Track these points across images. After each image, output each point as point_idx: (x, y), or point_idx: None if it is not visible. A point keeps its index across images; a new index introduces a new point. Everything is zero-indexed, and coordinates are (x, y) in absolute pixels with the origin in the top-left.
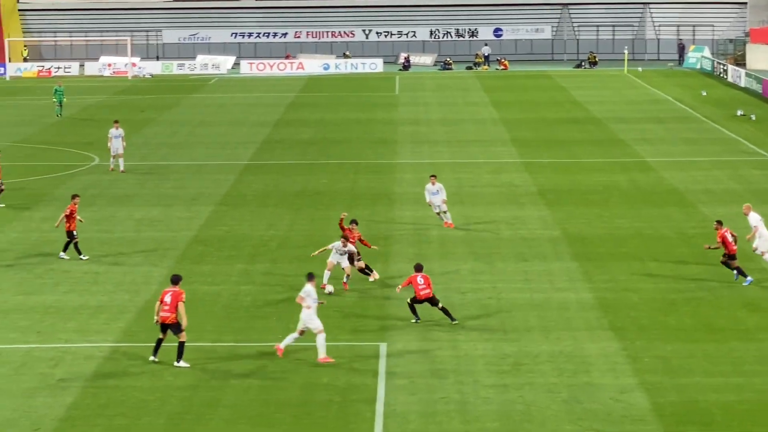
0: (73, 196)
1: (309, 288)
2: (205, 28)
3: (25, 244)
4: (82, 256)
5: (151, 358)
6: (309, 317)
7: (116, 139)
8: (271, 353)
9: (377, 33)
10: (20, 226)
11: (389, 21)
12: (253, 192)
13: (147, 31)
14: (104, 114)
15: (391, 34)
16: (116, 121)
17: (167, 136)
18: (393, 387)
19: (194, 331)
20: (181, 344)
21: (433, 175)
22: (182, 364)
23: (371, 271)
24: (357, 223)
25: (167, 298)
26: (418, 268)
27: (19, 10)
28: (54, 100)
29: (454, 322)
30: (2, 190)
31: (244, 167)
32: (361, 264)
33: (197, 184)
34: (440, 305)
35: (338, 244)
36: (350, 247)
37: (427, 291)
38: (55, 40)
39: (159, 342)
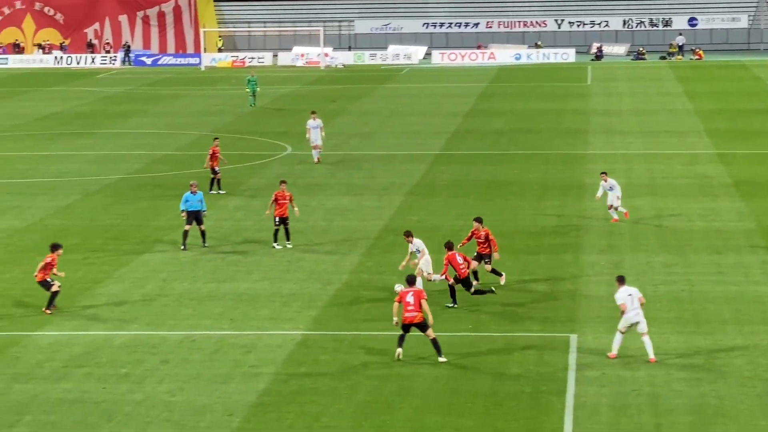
0: (281, 182)
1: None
2: (397, 18)
3: (219, 232)
4: (275, 245)
5: (398, 351)
6: None
7: (314, 130)
8: (460, 343)
9: (569, 23)
10: (214, 215)
11: (582, 10)
12: (443, 182)
13: (339, 21)
14: (297, 104)
15: (584, 24)
16: (314, 112)
17: (359, 126)
18: (583, 379)
19: (387, 320)
20: (434, 340)
21: (603, 173)
22: (443, 359)
23: (500, 274)
24: (481, 221)
25: (410, 298)
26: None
27: (215, 1)
28: (247, 90)
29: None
30: (218, 178)
31: (435, 157)
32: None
33: (388, 173)
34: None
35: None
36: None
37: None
38: (249, 31)
39: (402, 339)
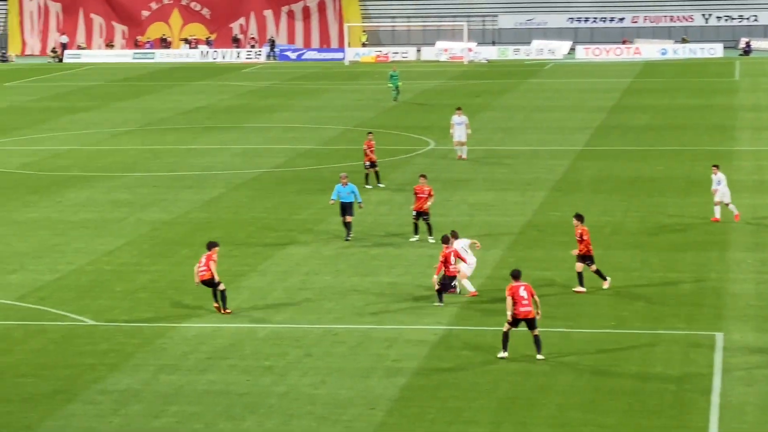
0: (421, 176)
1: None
2: (541, 13)
3: (361, 226)
4: (413, 238)
5: (501, 354)
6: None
7: (459, 126)
8: (603, 340)
9: (717, 17)
10: (358, 209)
11: (730, 4)
12: (587, 178)
13: (483, 16)
14: (440, 99)
15: (731, 18)
16: (459, 108)
17: (502, 121)
18: (729, 378)
19: None
20: (536, 337)
21: (715, 165)
22: (541, 357)
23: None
24: (580, 219)
25: (522, 292)
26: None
27: None
28: (389, 85)
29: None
30: (376, 171)
31: (579, 153)
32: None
33: (531, 169)
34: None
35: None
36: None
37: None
38: (393, 26)
39: (506, 336)
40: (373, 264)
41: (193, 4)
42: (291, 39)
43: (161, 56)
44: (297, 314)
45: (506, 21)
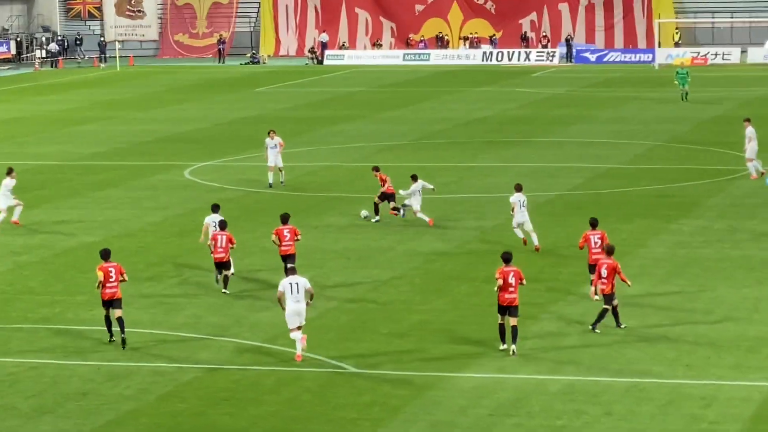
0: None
1: None
2: None
3: (673, 260)
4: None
5: (502, 347)
6: None
7: (751, 141)
8: None
9: None
10: (669, 239)
11: None
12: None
13: None
14: None
15: None
16: (746, 120)
17: None
18: None
19: None
20: (514, 328)
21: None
22: (514, 347)
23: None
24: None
25: (511, 279)
26: None
27: None
28: (675, 82)
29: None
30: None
31: None
32: None
33: None
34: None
35: None
36: None
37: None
38: (713, 22)
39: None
40: (688, 307)
41: None
42: (590, 38)
43: (437, 57)
44: (595, 364)
45: None
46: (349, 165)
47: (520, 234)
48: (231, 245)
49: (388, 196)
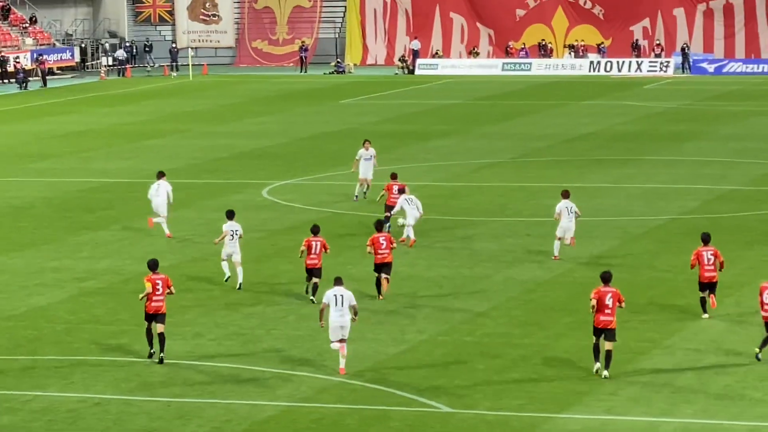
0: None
1: None
2: None
3: None
4: None
5: (596, 367)
6: None
7: None
8: None
9: None
10: None
11: None
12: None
13: None
14: None
15: None
16: None
17: None
18: None
19: None
20: (608, 352)
21: None
22: (606, 373)
23: None
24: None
25: (608, 300)
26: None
27: None
28: None
29: None
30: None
31: None
32: None
33: None
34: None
35: None
36: None
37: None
38: None
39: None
40: None
41: (582, 1)
42: (708, 46)
43: (539, 67)
44: (714, 404)
45: None
46: (443, 185)
47: (557, 249)
48: (325, 251)
49: (387, 207)
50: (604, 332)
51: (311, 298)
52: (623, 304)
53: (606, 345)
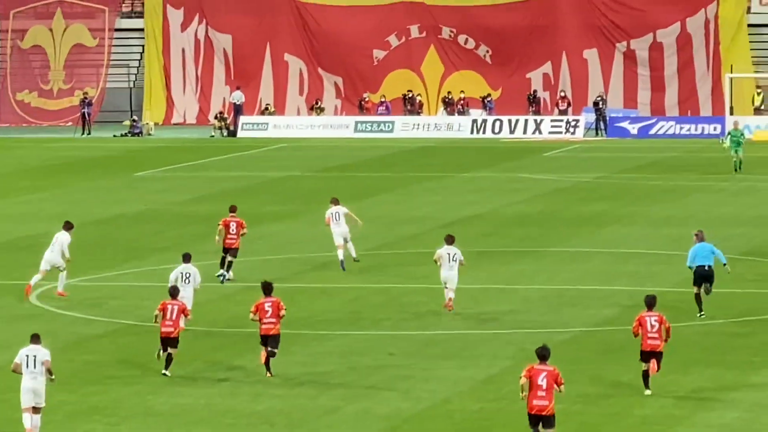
0: None
1: None
2: None
3: None
4: None
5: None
6: None
7: None
8: None
9: None
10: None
11: None
12: None
13: None
14: None
15: None
16: None
17: None
18: None
19: None
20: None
21: None
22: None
23: None
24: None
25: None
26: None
27: (751, 27)
28: (724, 145)
29: None
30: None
31: None
32: None
33: None
34: None
35: None
36: None
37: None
38: None
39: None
40: None
41: (462, 39)
42: (630, 100)
43: (405, 128)
44: None
45: None
46: (278, 286)
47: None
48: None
49: (226, 250)
50: (540, 419)
51: None
52: (561, 388)
53: None
